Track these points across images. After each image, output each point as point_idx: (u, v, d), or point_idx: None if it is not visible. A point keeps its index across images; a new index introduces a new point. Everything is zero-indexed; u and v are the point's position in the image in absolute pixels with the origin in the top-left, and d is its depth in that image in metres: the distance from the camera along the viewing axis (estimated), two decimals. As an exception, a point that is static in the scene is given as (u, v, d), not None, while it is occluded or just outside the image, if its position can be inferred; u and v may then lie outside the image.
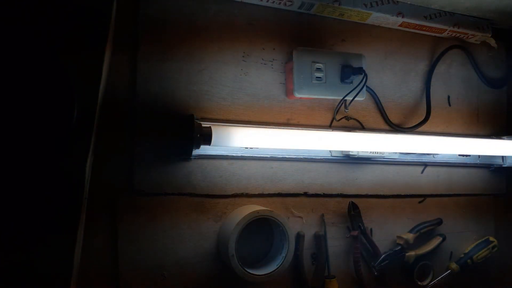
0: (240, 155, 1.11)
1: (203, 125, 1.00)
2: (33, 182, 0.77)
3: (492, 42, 1.38)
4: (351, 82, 1.16)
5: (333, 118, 1.22)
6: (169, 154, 1.05)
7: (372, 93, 1.27)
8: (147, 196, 1.04)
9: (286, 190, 1.17)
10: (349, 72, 1.15)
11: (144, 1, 1.05)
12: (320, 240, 1.19)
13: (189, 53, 1.09)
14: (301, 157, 1.18)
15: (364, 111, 1.27)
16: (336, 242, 1.22)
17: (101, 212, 1.00)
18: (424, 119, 1.32)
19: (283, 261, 1.07)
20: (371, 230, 1.26)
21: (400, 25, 1.29)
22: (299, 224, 1.18)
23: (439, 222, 1.35)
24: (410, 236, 1.28)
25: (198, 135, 0.99)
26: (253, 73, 1.15)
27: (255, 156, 1.13)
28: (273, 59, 1.17)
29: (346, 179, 1.24)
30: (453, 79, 1.41)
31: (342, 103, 1.21)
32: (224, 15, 1.13)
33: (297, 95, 1.13)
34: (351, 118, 1.25)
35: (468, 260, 1.36)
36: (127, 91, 1.04)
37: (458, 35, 1.36)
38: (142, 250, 1.03)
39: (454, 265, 1.36)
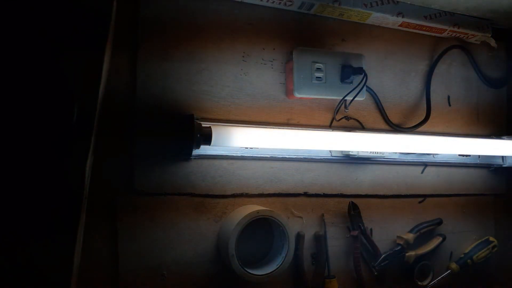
0: (240, 155, 1.11)
1: (203, 125, 1.00)
2: (33, 182, 0.77)
3: (492, 42, 1.38)
4: (351, 82, 1.16)
5: (333, 118, 1.22)
6: (169, 154, 1.05)
7: (372, 93, 1.27)
8: (147, 196, 1.04)
9: (286, 190, 1.17)
10: (349, 72, 1.15)
11: (144, 1, 1.06)
12: (320, 240, 1.19)
13: (189, 53, 1.09)
14: (301, 157, 1.18)
15: (364, 111, 1.27)
16: (336, 242, 1.22)
17: (101, 212, 1.00)
18: (424, 119, 1.32)
19: (283, 261, 1.07)
20: (371, 230, 1.26)
21: (400, 25, 1.29)
22: (299, 224, 1.18)
23: (439, 222, 1.35)
24: (410, 236, 1.28)
25: (198, 135, 0.99)
26: (253, 73, 1.15)
27: (255, 156, 1.13)
28: (273, 59, 1.17)
29: (346, 179, 1.24)
30: (453, 79, 1.41)
31: (342, 103, 1.21)
32: (224, 15, 1.13)
33: (297, 95, 1.13)
34: (351, 118, 1.25)
35: (468, 260, 1.36)
36: (127, 91, 1.04)
37: (458, 35, 1.36)
38: (142, 250, 1.03)
39: (454, 265, 1.36)
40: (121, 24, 1.03)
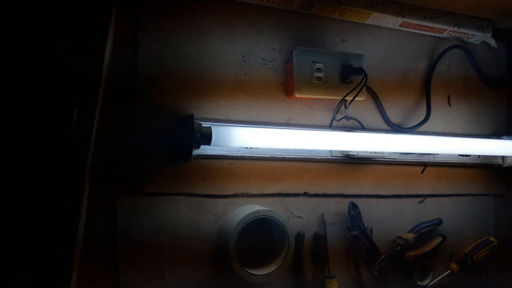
0: (240, 155, 1.11)
1: (203, 125, 1.00)
2: (33, 182, 0.77)
3: (492, 42, 1.38)
4: (351, 82, 1.16)
5: (333, 118, 1.22)
6: (169, 154, 1.05)
7: (372, 93, 1.27)
8: (147, 196, 1.04)
9: (286, 190, 1.17)
10: (349, 72, 1.15)
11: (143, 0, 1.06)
12: (320, 240, 1.19)
13: (189, 53, 1.08)
14: (301, 157, 1.18)
15: (364, 111, 1.27)
16: (336, 242, 1.22)
17: (101, 212, 1.00)
18: (424, 119, 1.32)
19: (283, 261, 1.07)
20: (371, 230, 1.26)
21: (400, 25, 1.29)
22: (299, 224, 1.18)
23: (439, 222, 1.35)
24: (410, 236, 1.28)
25: (198, 135, 0.99)
26: (253, 73, 1.15)
27: (255, 156, 1.13)
28: (273, 59, 1.17)
29: (346, 179, 1.24)
30: (453, 79, 1.41)
31: (342, 103, 1.21)
32: (224, 15, 1.12)
33: (297, 95, 1.13)
34: (351, 118, 1.25)
35: (468, 260, 1.36)
36: (127, 91, 1.04)
37: (458, 35, 1.36)
38: (142, 250, 1.03)
39: (454, 265, 1.36)
40: (121, 24, 1.03)
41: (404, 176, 1.32)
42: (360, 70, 1.14)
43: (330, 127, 1.22)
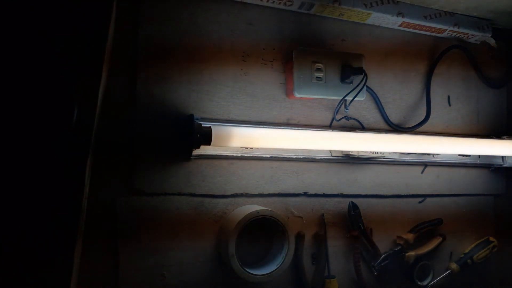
0: (240, 155, 1.11)
1: (203, 125, 1.00)
2: (33, 182, 0.77)
3: (492, 42, 1.38)
4: (351, 82, 1.16)
5: (333, 118, 1.22)
6: (169, 154, 1.05)
7: (372, 93, 1.27)
8: (147, 196, 1.04)
9: (286, 190, 1.17)
10: (349, 72, 1.15)
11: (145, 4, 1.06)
12: (320, 240, 1.19)
13: (189, 53, 1.09)
14: (301, 157, 1.18)
15: (364, 111, 1.27)
16: (336, 242, 1.22)
17: (101, 212, 1.00)
18: (424, 119, 1.32)
19: (283, 261, 1.07)
20: (371, 230, 1.26)
21: (400, 25, 1.29)
22: (299, 224, 1.18)
23: (439, 222, 1.35)
24: (410, 236, 1.28)
25: (198, 135, 0.99)
26: (253, 73, 1.15)
27: (255, 156, 1.13)
28: (273, 59, 1.17)
29: (346, 179, 1.24)
30: (453, 79, 1.41)
31: (342, 103, 1.21)
32: (224, 15, 1.13)
33: (297, 95, 1.13)
34: (351, 118, 1.25)
35: (468, 260, 1.36)
36: (127, 91, 1.04)
37: (458, 35, 1.36)
38: (142, 250, 1.03)
39: (454, 265, 1.36)
40: (120, 24, 1.03)
41: (404, 176, 1.32)
42: (360, 70, 1.14)
43: (330, 127, 1.22)
